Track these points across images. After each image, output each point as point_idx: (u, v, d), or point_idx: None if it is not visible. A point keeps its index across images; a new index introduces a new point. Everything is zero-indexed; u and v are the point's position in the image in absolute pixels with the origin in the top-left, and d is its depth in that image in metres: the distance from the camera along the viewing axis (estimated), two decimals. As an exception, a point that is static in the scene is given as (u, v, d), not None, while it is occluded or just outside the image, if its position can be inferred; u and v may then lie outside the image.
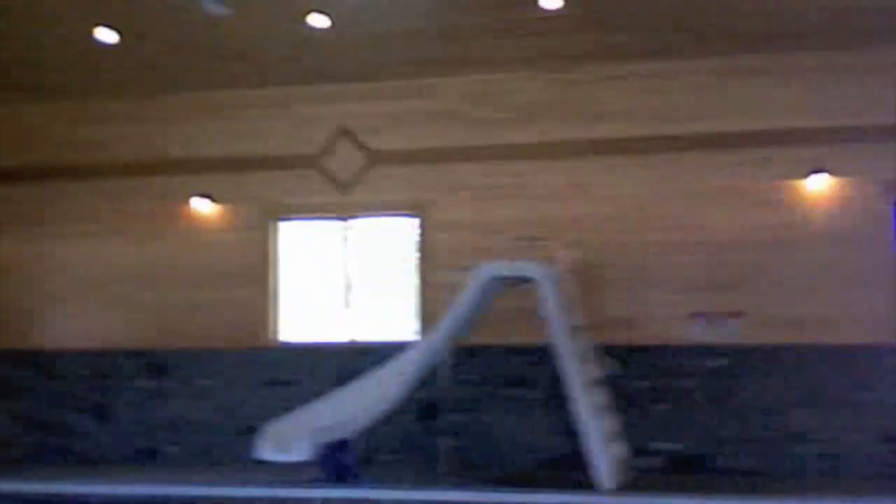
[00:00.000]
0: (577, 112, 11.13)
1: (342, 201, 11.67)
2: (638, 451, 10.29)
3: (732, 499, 8.76)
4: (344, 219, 11.78)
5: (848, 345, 10.16)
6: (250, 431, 10.56)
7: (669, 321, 10.65)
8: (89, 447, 11.72)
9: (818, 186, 10.50)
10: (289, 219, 11.91)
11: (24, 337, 12.04)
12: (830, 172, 10.44)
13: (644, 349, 10.66)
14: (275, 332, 11.78)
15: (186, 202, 11.90)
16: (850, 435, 10.09)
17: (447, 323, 10.17)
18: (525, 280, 10.06)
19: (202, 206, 11.91)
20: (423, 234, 11.46)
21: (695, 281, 10.68)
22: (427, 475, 9.99)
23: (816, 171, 10.46)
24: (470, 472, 10.16)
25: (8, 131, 12.28)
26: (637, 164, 10.95)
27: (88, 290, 12.00)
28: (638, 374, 10.63)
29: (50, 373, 11.92)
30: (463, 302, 10.12)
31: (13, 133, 12.28)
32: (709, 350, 10.54)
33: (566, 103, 11.16)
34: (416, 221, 11.53)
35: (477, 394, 10.98)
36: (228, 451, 11.39)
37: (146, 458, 11.61)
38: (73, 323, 11.99)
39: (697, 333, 10.61)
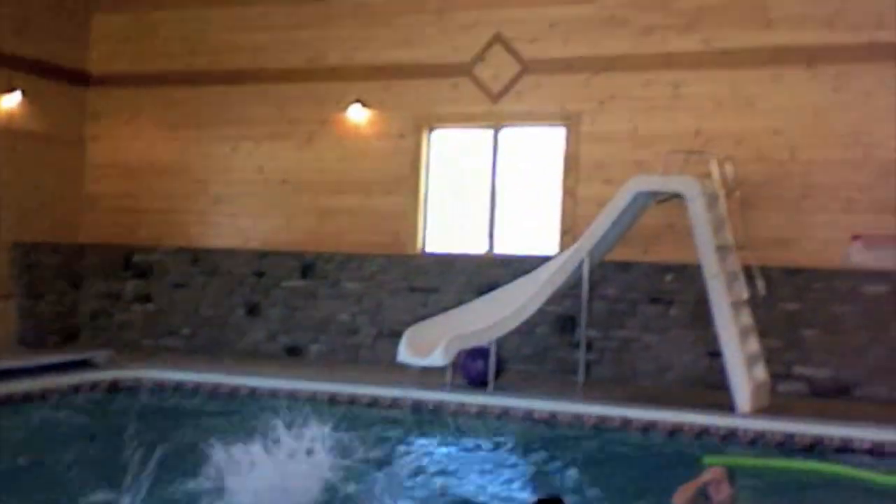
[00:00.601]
0: (743, 18, 10.49)
1: (493, 111, 11.55)
2: (782, 375, 9.90)
3: (872, 426, 8.33)
4: (494, 128, 11.67)
5: None
6: (392, 335, 10.85)
7: (827, 243, 10.07)
8: (242, 340, 12.34)
9: None
10: (440, 128, 11.92)
11: (190, 236, 12.69)
12: None
13: (798, 271, 10.15)
14: (421, 240, 11.92)
15: (343, 109, 12.08)
16: None
17: (590, 236, 9.99)
18: (675, 195, 9.72)
19: (357, 114, 12.08)
20: (569, 146, 11.21)
21: (859, 202, 10.02)
22: (562, 388, 9.97)
23: None
24: (607, 388, 10.06)
25: (172, 36, 12.79)
26: (805, 76, 10.26)
27: (248, 193, 12.47)
28: (789, 297, 10.16)
29: (211, 270, 12.55)
30: (608, 215, 9.90)
31: (177, 37, 12.78)
32: (867, 275, 9.92)
33: (733, 8, 10.53)
34: (563, 132, 11.28)
35: (617, 309, 10.80)
36: (370, 352, 11.73)
37: (293, 355, 12.11)
38: (234, 223, 12.53)
39: (858, 258, 9.97)
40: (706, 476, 6.53)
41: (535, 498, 5.18)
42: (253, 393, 10.25)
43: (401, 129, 11.87)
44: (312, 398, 10.05)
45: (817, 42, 10.20)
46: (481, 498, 7.10)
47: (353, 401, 9.90)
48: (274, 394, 10.15)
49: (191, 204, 12.72)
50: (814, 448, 8.29)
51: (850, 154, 10.06)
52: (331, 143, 12.17)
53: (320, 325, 12.06)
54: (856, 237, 10.01)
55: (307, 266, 12.17)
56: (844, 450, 8.21)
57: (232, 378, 10.48)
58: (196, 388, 10.47)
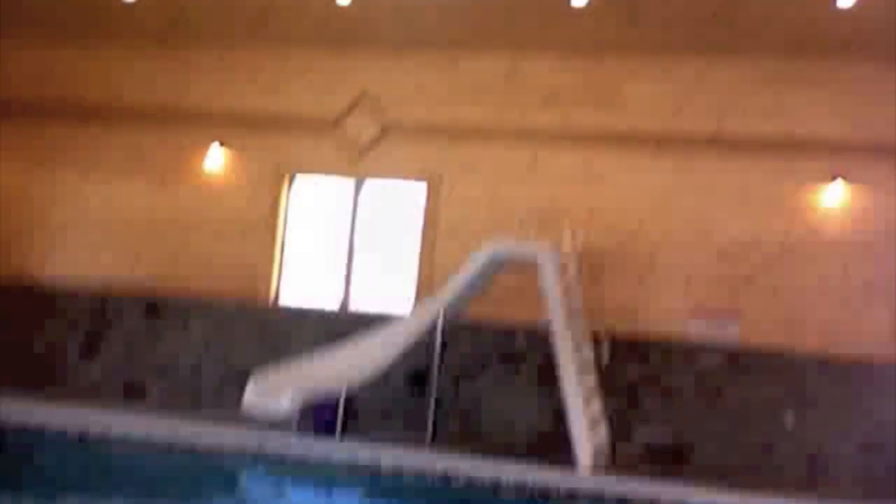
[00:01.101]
0: (599, 100, 11.09)
1: (356, 165, 11.66)
2: (622, 438, 10.25)
3: (705, 487, 8.73)
4: (356, 180, 11.75)
5: (844, 356, 10.06)
6: (238, 380, 10.58)
7: (669, 315, 10.61)
8: (80, 380, 11.74)
9: (834, 196, 10.41)
10: (301, 175, 11.91)
11: (26, 268, 12.07)
12: (848, 183, 10.34)
13: (641, 340, 10.61)
14: (275, 289, 11.79)
15: (201, 150, 11.91)
16: (835, 443, 10.00)
17: (445, 296, 10.16)
18: (527, 261, 10.05)
19: (216, 156, 11.93)
20: (429, 206, 11.42)
21: (699, 279, 10.63)
22: (410, 441, 9.96)
23: (833, 180, 10.36)
24: (454, 442, 10.12)
25: (24, 67, 12.33)
26: (653, 158, 10.90)
27: (96, 229, 12.02)
28: (631, 364, 10.57)
29: (49, 307, 11.95)
30: (463, 277, 10.12)
31: (33, 70, 12.33)
32: (705, 348, 10.48)
33: (589, 91, 11.12)
34: (424, 190, 11.50)
35: (468, 367, 10.95)
36: (215, 397, 11.39)
37: (134, 395, 11.62)
38: (76, 259, 12.02)
39: (696, 330, 10.54)
40: None
41: None
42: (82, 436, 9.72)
43: (261, 174, 11.80)
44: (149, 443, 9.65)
45: (664, 128, 10.88)
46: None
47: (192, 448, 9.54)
48: (106, 438, 9.66)
49: (32, 235, 12.14)
50: (650, 508, 8.58)
51: (692, 234, 10.70)
52: (188, 186, 11.95)
53: (164, 366, 11.64)
54: (694, 311, 10.59)
55: (152, 305, 11.77)
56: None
57: (62, 418, 9.92)
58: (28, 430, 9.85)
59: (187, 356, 11.67)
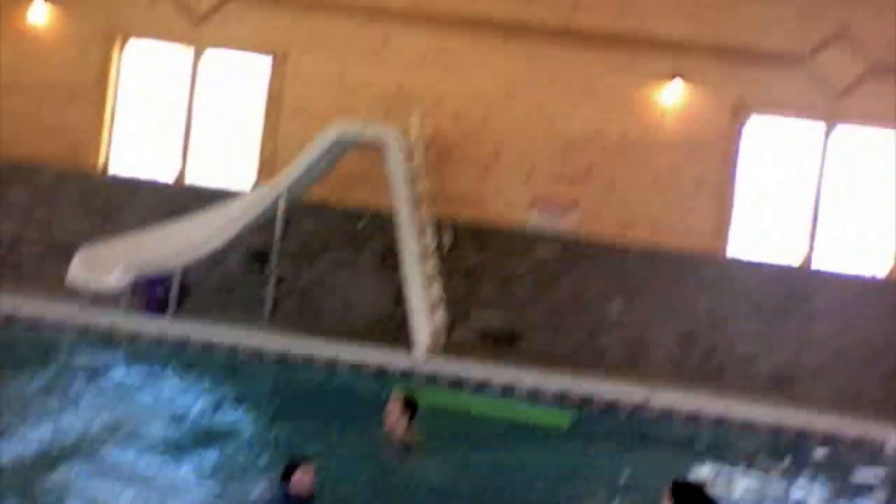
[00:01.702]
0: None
1: (196, 31, 11.03)
2: (459, 322, 10.46)
3: (533, 371, 9.07)
4: (196, 49, 11.15)
5: (670, 249, 10.53)
6: (63, 253, 10.06)
7: (511, 204, 10.75)
8: None
9: (672, 94, 10.67)
10: (135, 39, 11.20)
11: None
12: (686, 82, 10.60)
13: (482, 228, 10.72)
14: (104, 158, 11.17)
15: (24, 6, 10.99)
16: (656, 331, 10.55)
17: (288, 174, 9.92)
18: (374, 144, 9.89)
19: (39, 11, 11.04)
20: (274, 82, 10.99)
21: (541, 170, 10.78)
22: (248, 321, 9.81)
23: (673, 78, 10.60)
24: (293, 324, 10.04)
25: None
26: (504, 45, 10.81)
27: None
28: (472, 251, 10.70)
29: None
30: (307, 157, 9.89)
31: None
32: (543, 237, 10.72)
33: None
34: (268, 65, 11.04)
35: (310, 249, 10.81)
36: (37, 269, 10.81)
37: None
38: None
39: (536, 221, 10.75)
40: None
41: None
42: None
43: (90, 34, 11.02)
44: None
45: (517, 16, 10.78)
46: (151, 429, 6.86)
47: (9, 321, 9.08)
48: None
49: None
50: (481, 389, 8.85)
51: (537, 125, 10.78)
52: (6, 39, 11.02)
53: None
54: (535, 201, 10.78)
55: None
56: (507, 392, 8.85)
57: None
58: None
59: (7, 225, 10.97)
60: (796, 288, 10.45)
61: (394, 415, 6.83)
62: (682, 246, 10.56)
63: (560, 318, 10.68)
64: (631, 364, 10.47)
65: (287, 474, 5.41)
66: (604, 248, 10.65)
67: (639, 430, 8.41)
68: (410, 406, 6.90)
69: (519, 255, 10.73)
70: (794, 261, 10.64)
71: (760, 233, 10.78)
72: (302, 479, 5.36)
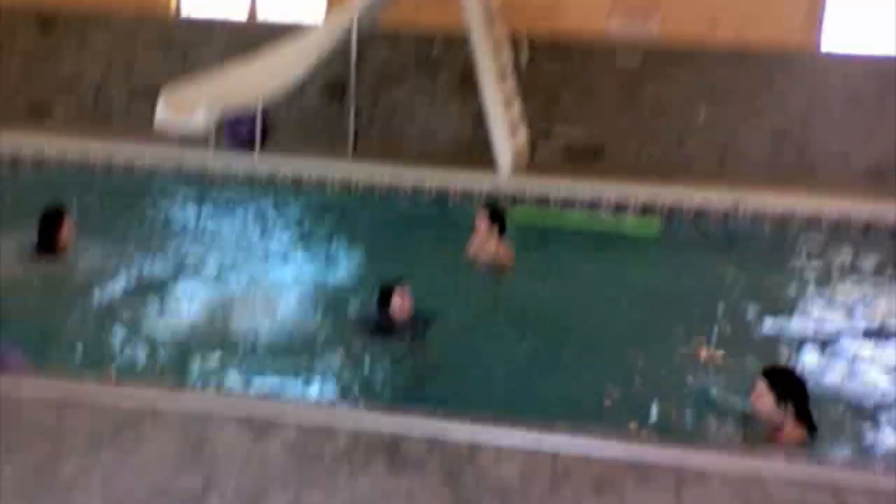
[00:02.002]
0: None
1: None
2: (541, 139, 10.37)
3: (624, 183, 9.00)
4: None
5: (758, 47, 10.08)
6: (147, 97, 10.20)
7: (589, 13, 10.36)
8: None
9: None
10: None
11: None
12: None
13: (560, 41, 10.41)
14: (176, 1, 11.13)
15: None
16: (746, 133, 10.29)
17: (359, 2, 9.70)
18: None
19: None
20: None
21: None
22: (331, 153, 9.91)
23: None
24: (376, 153, 10.11)
25: None
26: None
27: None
28: (550, 65, 10.45)
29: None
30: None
31: None
32: (623, 46, 10.37)
33: None
34: None
35: (387, 76, 10.71)
36: (124, 115, 11.04)
37: (39, 115, 11.20)
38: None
39: (616, 28, 10.38)
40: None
41: None
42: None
43: None
44: (62, 164, 9.47)
45: None
46: (257, 265, 7.14)
47: (107, 168, 9.42)
48: (15, 162, 9.45)
49: None
50: (567, 206, 8.87)
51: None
52: None
53: (66, 85, 11.13)
54: (614, 7, 10.37)
55: (47, 20, 11.04)
56: (593, 207, 8.84)
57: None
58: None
59: (90, 73, 11.14)
60: (893, 79, 9.97)
61: (482, 230, 6.79)
62: (772, 43, 10.10)
63: (645, 128, 10.48)
64: (721, 170, 10.29)
65: (384, 298, 5.38)
66: (688, 52, 10.26)
67: (729, 235, 8.36)
68: (498, 219, 6.87)
69: (599, 66, 10.44)
70: (891, 51, 10.10)
71: (855, 23, 10.21)
72: (400, 303, 5.32)
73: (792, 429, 4.00)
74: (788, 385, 4.04)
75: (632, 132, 10.49)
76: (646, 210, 8.71)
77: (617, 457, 3.30)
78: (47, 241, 6.20)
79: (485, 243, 6.80)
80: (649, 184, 9.13)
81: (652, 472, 3.22)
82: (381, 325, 5.32)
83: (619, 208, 8.75)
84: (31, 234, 6.31)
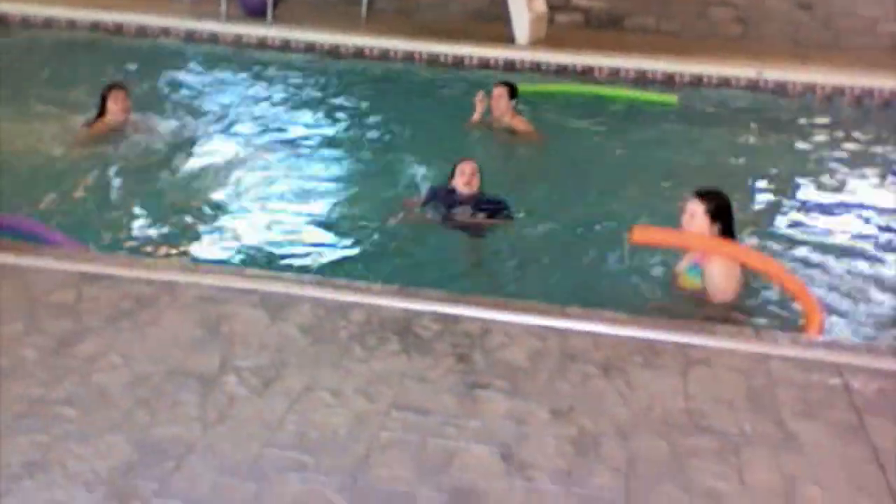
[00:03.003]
0: None
1: None
2: (560, 7, 10.12)
3: (638, 56, 8.80)
4: None
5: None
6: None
7: None
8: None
9: None
10: None
11: None
12: None
13: None
14: None
15: None
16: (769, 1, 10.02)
17: None
18: None
19: None
20: None
21: None
22: (345, 20, 9.72)
23: None
24: (390, 21, 9.91)
25: None
26: None
27: None
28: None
29: None
30: None
31: None
32: None
33: None
34: None
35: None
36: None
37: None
38: None
39: None
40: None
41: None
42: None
43: None
44: (72, 26, 9.36)
45: None
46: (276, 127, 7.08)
47: (118, 30, 9.31)
48: (49, 24, 9.36)
49: None
50: (586, 76, 8.72)
51: None
52: None
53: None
54: None
55: None
56: (612, 77, 8.70)
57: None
58: None
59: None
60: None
61: (503, 102, 6.74)
62: None
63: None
64: (744, 39, 10.04)
65: (453, 174, 5.25)
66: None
67: (752, 106, 8.24)
68: (514, 93, 6.82)
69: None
70: None
71: None
72: (470, 180, 5.15)
73: None
74: (719, 205, 4.11)
75: (652, 1, 10.20)
76: (668, 80, 8.57)
77: (624, 338, 3.36)
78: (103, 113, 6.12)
79: (502, 114, 6.76)
80: (669, 56, 8.90)
81: (659, 353, 3.28)
82: (449, 199, 5.16)
83: (641, 79, 8.61)
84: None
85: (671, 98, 8.10)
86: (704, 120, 7.84)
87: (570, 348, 3.30)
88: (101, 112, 6.10)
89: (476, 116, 6.83)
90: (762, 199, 5.95)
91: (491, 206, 5.15)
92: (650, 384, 3.11)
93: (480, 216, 5.11)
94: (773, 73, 8.58)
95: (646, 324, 3.48)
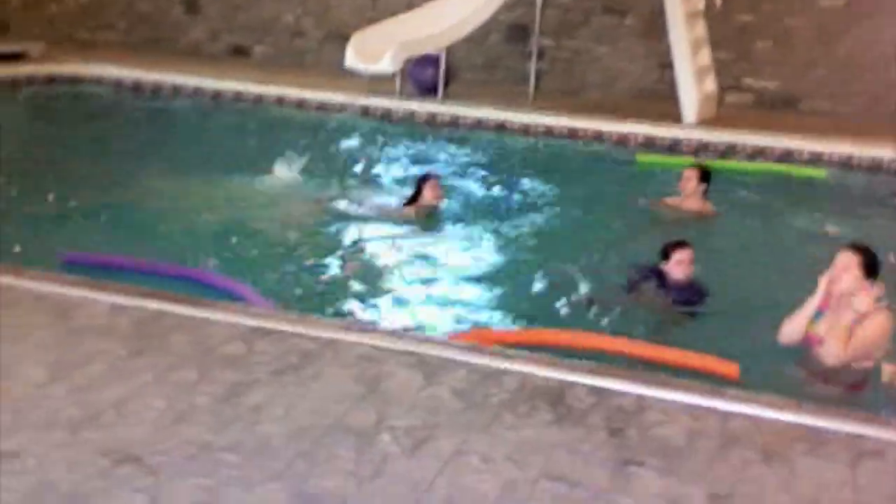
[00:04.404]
0: None
1: None
2: (731, 87, 10.00)
3: (811, 139, 8.58)
4: None
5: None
6: (340, 38, 10.52)
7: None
8: (183, 39, 11.88)
9: None
10: None
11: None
12: None
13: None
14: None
15: None
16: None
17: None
18: None
19: None
20: None
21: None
22: (513, 97, 9.93)
23: None
24: (556, 98, 10.05)
25: None
26: None
27: None
28: (744, 8, 10.00)
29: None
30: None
31: None
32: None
33: None
34: None
35: (570, 19, 10.56)
36: (317, 56, 11.42)
37: (237, 55, 11.74)
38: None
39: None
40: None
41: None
42: (196, 92, 10.08)
43: None
44: (259, 100, 9.95)
45: None
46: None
47: (301, 104, 9.83)
48: (218, 95, 10.01)
49: None
50: (755, 158, 8.55)
51: None
52: None
53: (265, 25, 11.62)
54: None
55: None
56: (785, 160, 8.49)
57: (174, 77, 10.22)
58: (137, 85, 10.23)
59: (287, 15, 11.55)
60: None
61: (691, 185, 6.75)
62: None
63: (845, 78, 9.88)
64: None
65: (665, 255, 5.13)
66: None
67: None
68: (706, 177, 6.81)
69: (798, 8, 9.90)
70: None
71: None
72: (680, 262, 5.06)
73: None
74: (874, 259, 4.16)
75: (828, 83, 9.92)
76: (847, 161, 8.36)
77: (789, 423, 3.24)
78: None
79: (690, 199, 6.79)
80: (846, 141, 8.60)
81: (825, 442, 3.14)
82: (658, 283, 5.07)
83: (815, 160, 8.40)
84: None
85: (820, 172, 7.99)
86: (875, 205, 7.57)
87: (729, 430, 3.20)
88: (416, 196, 6.67)
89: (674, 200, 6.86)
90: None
91: (695, 298, 5.06)
92: (815, 474, 2.97)
93: (680, 307, 5.03)
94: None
95: (810, 410, 3.34)
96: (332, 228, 6.43)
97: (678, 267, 5.09)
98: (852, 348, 4.12)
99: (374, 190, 7.43)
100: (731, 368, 4.06)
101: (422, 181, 6.74)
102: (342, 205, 6.79)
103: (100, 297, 4.00)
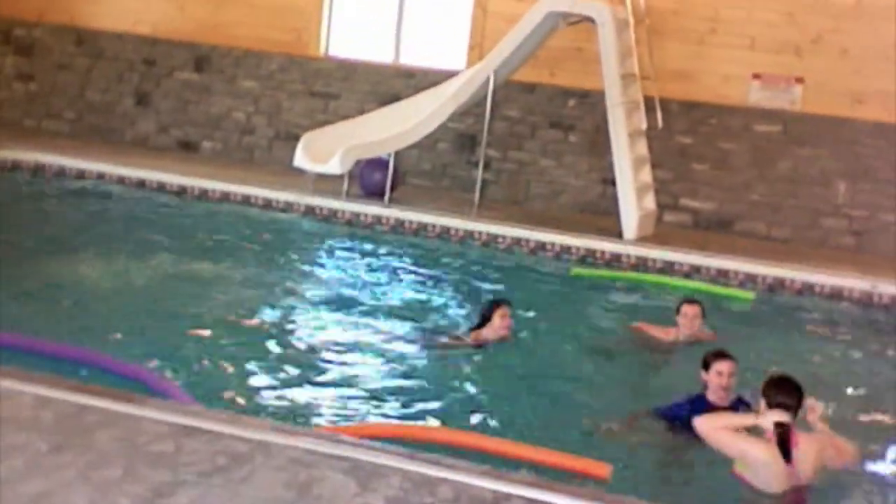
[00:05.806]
0: None
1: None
2: (669, 206, 10.26)
3: (745, 259, 8.80)
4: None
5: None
6: (290, 138, 10.64)
7: (727, 80, 10.25)
8: (131, 131, 11.88)
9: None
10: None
11: (74, 14, 11.90)
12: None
13: (696, 105, 10.33)
14: (324, 41, 11.52)
15: None
16: (885, 214, 9.92)
17: (499, 53, 9.85)
18: (586, 19, 9.64)
19: None
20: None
21: (762, 41, 10.15)
22: (458, 205, 10.07)
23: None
24: (501, 208, 10.22)
25: None
26: None
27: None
28: (684, 130, 10.37)
29: (97, 53, 11.89)
30: (518, 33, 9.76)
31: None
32: (761, 114, 10.21)
33: None
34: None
35: (518, 131, 10.84)
36: (266, 154, 11.50)
37: (185, 150, 11.76)
38: (123, 4, 11.81)
39: (755, 96, 10.23)
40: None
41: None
42: (141, 185, 10.04)
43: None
44: (203, 195, 9.93)
45: None
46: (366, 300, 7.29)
47: (246, 201, 9.83)
48: (162, 187, 9.99)
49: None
50: (691, 276, 8.72)
51: (758, -8, 10.13)
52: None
53: (214, 121, 11.70)
54: (756, 76, 10.24)
55: (201, 58, 11.65)
56: (721, 279, 8.68)
57: (119, 169, 10.18)
58: (80, 175, 10.16)
59: (239, 113, 11.64)
60: None
61: (696, 321, 6.70)
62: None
63: (779, 201, 10.23)
64: (856, 249, 9.94)
65: (705, 365, 5.11)
66: (829, 124, 10.02)
67: (867, 319, 8.08)
68: (703, 311, 6.82)
69: (736, 134, 10.30)
70: None
71: None
72: (728, 382, 5.03)
73: None
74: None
75: (764, 204, 10.26)
76: (777, 285, 8.54)
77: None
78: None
79: (690, 329, 6.76)
80: (780, 262, 8.85)
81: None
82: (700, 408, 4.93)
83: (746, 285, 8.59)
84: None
85: (748, 295, 8.19)
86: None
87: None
88: (483, 322, 6.25)
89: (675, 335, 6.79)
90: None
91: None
92: None
93: None
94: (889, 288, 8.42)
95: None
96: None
97: (720, 381, 5.07)
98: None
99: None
100: (603, 469, 4.12)
101: (495, 307, 6.26)
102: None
103: (26, 388, 3.89)
